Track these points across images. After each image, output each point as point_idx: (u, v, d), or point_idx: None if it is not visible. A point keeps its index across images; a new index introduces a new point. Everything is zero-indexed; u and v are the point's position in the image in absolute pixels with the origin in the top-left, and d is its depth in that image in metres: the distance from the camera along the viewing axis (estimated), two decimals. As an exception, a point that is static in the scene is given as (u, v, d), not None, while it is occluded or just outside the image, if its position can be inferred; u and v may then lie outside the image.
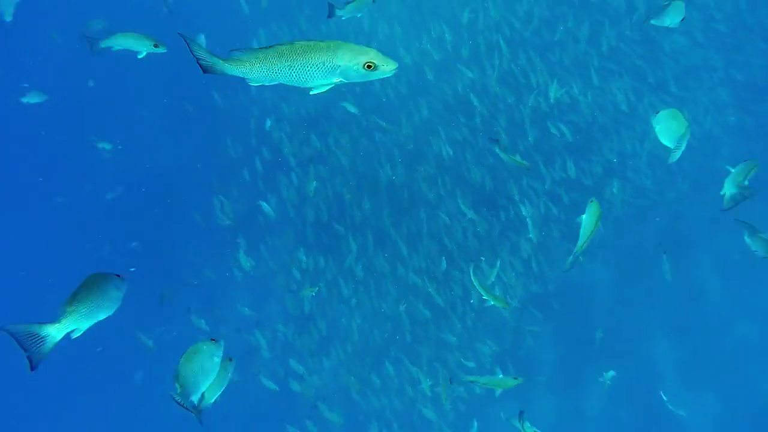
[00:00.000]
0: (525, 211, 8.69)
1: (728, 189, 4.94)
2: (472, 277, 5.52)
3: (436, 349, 10.90)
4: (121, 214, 16.53)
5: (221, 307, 12.72)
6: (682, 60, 10.50)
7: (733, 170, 4.96)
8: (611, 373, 9.83)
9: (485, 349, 10.65)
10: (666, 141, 4.77)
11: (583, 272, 13.47)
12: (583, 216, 4.56)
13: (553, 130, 10.28)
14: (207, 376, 2.88)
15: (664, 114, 4.68)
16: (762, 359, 12.25)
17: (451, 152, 11.45)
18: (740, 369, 12.16)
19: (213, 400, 3.28)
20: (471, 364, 10.38)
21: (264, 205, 9.89)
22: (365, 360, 10.84)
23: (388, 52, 2.59)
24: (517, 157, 6.32)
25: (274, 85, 2.64)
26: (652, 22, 5.06)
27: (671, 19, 4.91)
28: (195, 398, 2.85)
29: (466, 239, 10.92)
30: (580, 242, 4.46)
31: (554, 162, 11.42)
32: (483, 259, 9.63)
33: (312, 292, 7.31)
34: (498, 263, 7.46)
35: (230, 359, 3.39)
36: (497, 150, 6.70)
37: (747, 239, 5.38)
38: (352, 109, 10.64)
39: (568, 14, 10.96)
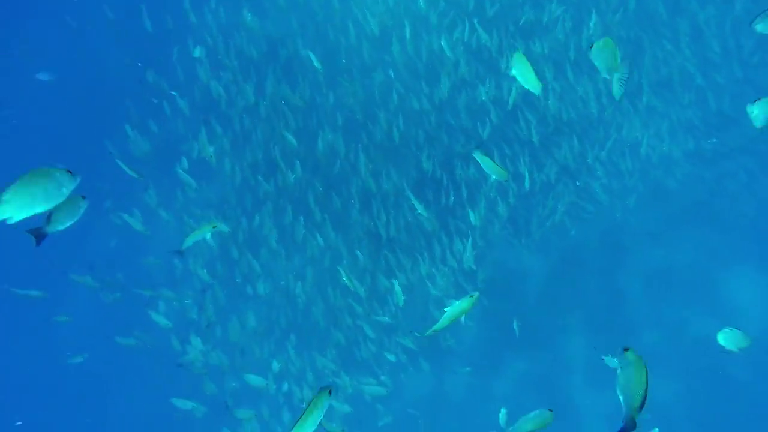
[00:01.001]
0: (473, 219, 7.97)
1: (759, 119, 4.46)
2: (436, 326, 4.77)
3: (353, 336, 10.41)
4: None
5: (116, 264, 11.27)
6: (662, 69, 9.79)
7: (755, 110, 4.52)
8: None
9: (406, 342, 10.29)
10: (605, 73, 4.19)
11: (519, 263, 13.36)
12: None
13: (522, 123, 9.45)
14: (44, 201, 2.78)
15: (599, 46, 4.04)
16: (663, 368, 12.96)
17: (401, 126, 10.31)
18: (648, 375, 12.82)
19: (60, 229, 3.40)
20: (391, 357, 10.05)
21: (181, 172, 8.37)
22: (266, 342, 10.11)
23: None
24: (497, 164, 5.56)
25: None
26: (757, 27, 4.12)
27: None
28: (18, 217, 2.76)
29: (399, 231, 10.15)
30: None
31: (513, 153, 10.71)
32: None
33: (208, 230, 5.35)
34: (396, 283, 6.86)
35: (83, 197, 3.47)
36: (477, 155, 5.76)
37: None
38: (316, 63, 9.04)
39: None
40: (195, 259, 9.63)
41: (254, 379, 8.05)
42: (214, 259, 9.51)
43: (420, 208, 8.27)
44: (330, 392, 3.02)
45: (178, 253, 5.89)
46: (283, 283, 9.90)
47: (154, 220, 10.46)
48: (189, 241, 5.71)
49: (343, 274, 7.37)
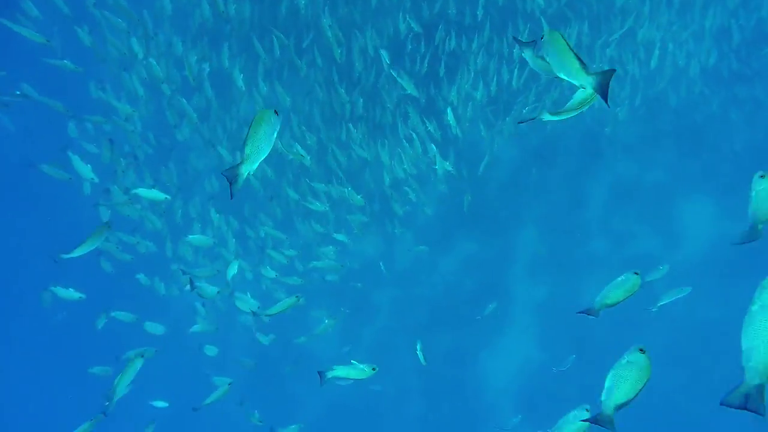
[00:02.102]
0: (451, 119, 6.82)
1: None
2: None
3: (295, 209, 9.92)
4: None
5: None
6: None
7: None
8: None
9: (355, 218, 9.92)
10: None
11: (490, 148, 12.67)
12: None
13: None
14: (267, 147, 3.15)
15: None
16: (600, 272, 13.52)
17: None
18: (583, 277, 13.36)
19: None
20: (341, 238, 9.73)
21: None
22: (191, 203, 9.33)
23: None
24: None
25: None
26: None
27: None
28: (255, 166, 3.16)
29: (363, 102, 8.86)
30: None
31: (515, 30, 9.05)
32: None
33: None
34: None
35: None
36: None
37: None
38: None
39: None
40: (116, 91, 8.21)
41: (198, 240, 7.67)
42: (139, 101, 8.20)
43: (410, 88, 7.00)
44: (276, 112, 3.01)
45: None
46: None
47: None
48: None
49: (280, 146, 6.42)
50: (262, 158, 3.04)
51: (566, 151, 12.81)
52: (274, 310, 5.93)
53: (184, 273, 7.72)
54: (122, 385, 4.60)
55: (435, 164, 7.62)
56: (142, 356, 4.63)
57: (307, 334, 9.18)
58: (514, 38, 4.04)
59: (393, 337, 14.82)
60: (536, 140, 12.92)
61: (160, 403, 8.56)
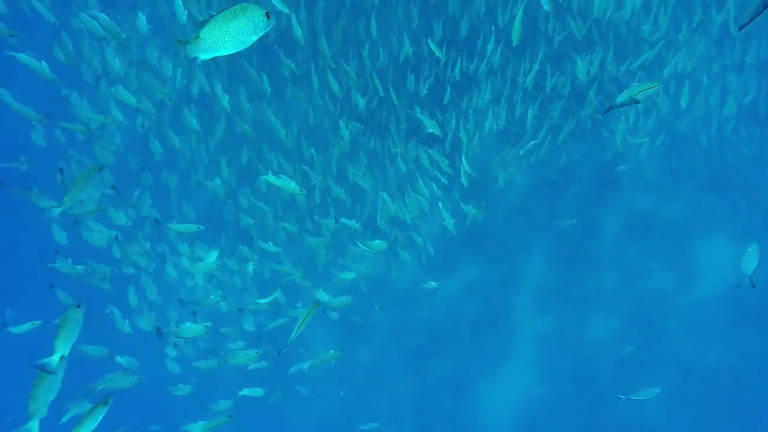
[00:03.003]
0: (465, 165, 6.11)
1: None
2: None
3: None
4: None
5: None
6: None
7: None
8: None
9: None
10: None
11: (503, 171, 12.01)
12: None
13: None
14: (233, 44, 2.69)
15: None
16: (610, 307, 12.88)
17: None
18: (591, 310, 12.74)
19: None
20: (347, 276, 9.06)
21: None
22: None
23: None
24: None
25: None
26: None
27: None
28: (204, 57, 2.69)
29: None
30: None
31: (532, 52, 8.26)
32: None
33: None
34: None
35: None
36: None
37: None
38: None
39: None
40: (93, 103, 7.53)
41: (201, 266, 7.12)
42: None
43: (432, 127, 6.27)
44: (268, 15, 2.65)
45: None
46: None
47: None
48: None
49: (269, 177, 5.75)
50: (218, 54, 2.54)
51: (581, 180, 12.13)
52: (298, 328, 5.33)
53: (182, 302, 7.25)
54: (63, 340, 3.91)
55: (444, 221, 6.91)
56: (79, 306, 3.94)
57: (304, 360, 8.64)
58: (608, 108, 3.58)
59: (389, 358, 14.30)
60: (550, 168, 12.27)
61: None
